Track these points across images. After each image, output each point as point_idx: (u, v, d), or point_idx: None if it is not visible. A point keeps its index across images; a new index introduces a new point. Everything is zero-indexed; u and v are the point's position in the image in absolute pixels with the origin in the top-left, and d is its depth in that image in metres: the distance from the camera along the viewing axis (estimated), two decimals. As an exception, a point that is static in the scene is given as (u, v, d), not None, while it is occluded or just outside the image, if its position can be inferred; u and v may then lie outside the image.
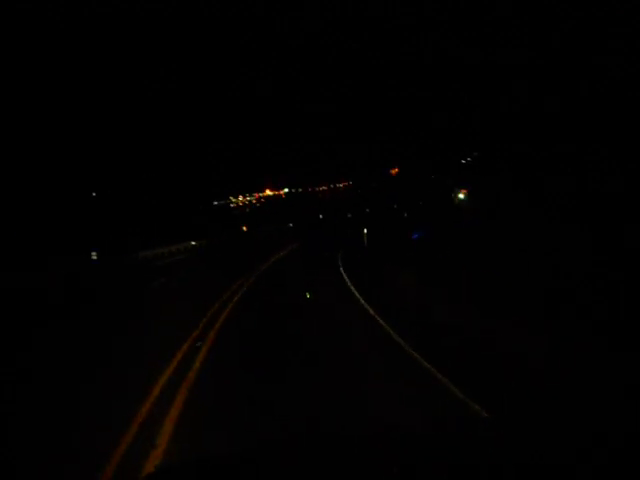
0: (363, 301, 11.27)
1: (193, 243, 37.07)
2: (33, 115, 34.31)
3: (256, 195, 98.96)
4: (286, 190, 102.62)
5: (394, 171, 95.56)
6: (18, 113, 31.88)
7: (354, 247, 26.81)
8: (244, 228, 59.67)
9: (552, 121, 17.15)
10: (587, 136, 14.53)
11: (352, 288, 13.44)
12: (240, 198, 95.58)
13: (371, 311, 9.98)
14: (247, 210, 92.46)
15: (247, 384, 6.00)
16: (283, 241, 38.20)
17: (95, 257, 24.30)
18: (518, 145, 20.35)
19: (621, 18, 14.20)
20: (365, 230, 28.38)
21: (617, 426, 2.07)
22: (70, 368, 7.40)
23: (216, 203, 71.13)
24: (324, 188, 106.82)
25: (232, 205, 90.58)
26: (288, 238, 41.74)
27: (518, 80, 20.38)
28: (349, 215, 73.89)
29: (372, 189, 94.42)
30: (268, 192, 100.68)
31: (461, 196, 37.43)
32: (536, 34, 19.34)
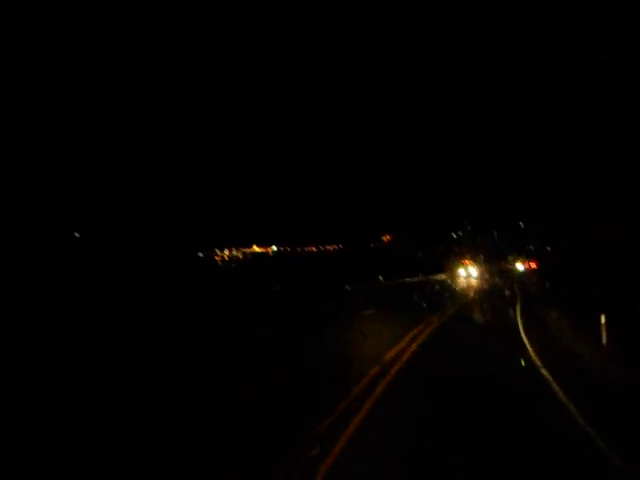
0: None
1: None
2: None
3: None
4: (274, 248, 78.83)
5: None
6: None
7: None
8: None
9: (556, 123, 17.08)
10: (589, 136, 14.47)
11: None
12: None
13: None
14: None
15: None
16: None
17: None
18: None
19: (621, 18, 14.17)
20: None
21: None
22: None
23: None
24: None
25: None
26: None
27: (520, 82, 20.33)
28: None
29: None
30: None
31: None
32: (536, 36, 19.31)
